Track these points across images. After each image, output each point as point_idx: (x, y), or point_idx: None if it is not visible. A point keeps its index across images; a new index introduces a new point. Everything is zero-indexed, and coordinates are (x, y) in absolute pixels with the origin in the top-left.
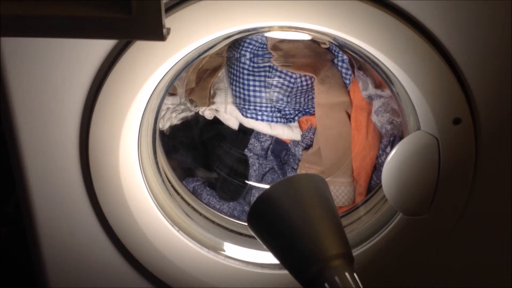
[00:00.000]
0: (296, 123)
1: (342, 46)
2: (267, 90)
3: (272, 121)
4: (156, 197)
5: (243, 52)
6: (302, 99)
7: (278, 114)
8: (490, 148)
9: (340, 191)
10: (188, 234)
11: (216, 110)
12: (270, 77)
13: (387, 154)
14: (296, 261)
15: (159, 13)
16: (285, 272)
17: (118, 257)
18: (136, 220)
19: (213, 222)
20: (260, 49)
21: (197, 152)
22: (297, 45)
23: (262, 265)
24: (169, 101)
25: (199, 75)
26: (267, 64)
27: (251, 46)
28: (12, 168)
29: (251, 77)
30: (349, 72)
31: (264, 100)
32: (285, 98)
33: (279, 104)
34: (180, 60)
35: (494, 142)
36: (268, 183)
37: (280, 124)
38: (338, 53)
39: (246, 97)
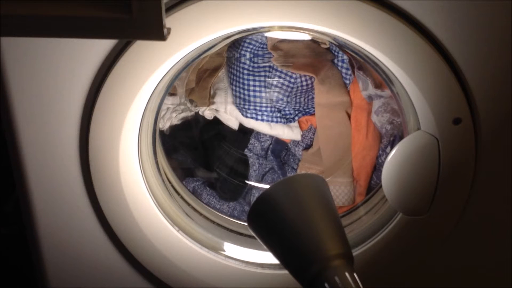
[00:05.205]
0: (296, 123)
1: (342, 46)
2: (267, 90)
3: (272, 121)
4: (156, 197)
5: (243, 52)
6: (302, 99)
7: (278, 114)
8: (490, 148)
9: (340, 191)
10: (188, 234)
11: (216, 110)
12: (270, 77)
13: (387, 154)
14: (296, 261)
15: (159, 13)
16: (285, 272)
17: (118, 257)
18: (136, 220)
19: (213, 222)
20: (260, 49)
21: (197, 152)
22: (297, 45)
23: (262, 265)
24: (169, 101)
25: (199, 75)
26: (267, 64)
27: (251, 46)
28: (12, 168)
29: (251, 77)
30: (349, 72)
31: (264, 100)
32: (285, 98)
33: (279, 104)
34: (180, 60)
35: (494, 142)
36: (268, 183)
37: (280, 124)
38: (338, 53)
39: (246, 97)
